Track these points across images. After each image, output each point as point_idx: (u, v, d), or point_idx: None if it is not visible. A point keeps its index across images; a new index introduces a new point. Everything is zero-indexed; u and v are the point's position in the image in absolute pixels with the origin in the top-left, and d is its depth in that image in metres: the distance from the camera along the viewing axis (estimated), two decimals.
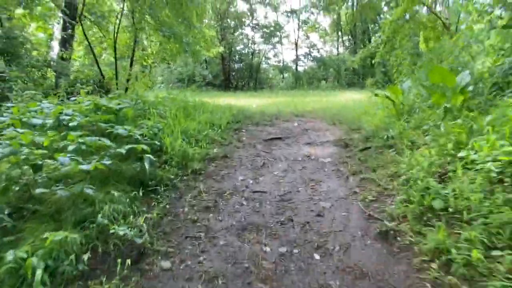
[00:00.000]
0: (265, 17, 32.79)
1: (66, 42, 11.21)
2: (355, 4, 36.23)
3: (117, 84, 9.55)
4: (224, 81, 29.80)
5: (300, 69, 34.74)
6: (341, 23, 35.57)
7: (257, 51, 32.25)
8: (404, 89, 5.14)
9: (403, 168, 3.28)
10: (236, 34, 30.48)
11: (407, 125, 4.26)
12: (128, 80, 10.12)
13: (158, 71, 32.00)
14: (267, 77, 32.41)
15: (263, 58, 32.67)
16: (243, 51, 31.62)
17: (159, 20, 8.82)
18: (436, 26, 13.27)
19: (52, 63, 10.41)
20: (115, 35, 9.54)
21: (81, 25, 9.62)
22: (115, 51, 9.50)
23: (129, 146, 3.25)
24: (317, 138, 4.90)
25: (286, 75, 34.16)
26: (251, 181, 3.54)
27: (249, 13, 29.74)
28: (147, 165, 3.13)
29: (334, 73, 33.92)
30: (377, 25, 36.40)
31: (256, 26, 31.09)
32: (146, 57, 11.79)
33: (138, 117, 4.61)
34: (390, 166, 3.50)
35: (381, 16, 35.81)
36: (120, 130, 3.49)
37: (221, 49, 17.45)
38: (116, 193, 2.74)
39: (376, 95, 6.88)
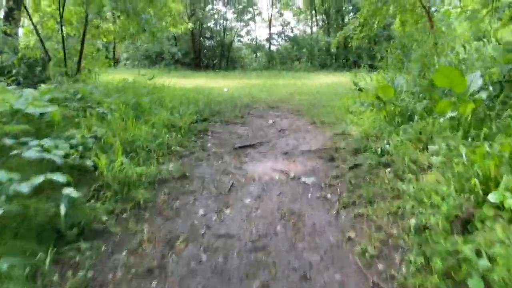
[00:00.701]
0: None
1: (9, 14, 9.60)
2: None
3: (65, 66, 8.22)
4: (195, 59, 28.19)
5: (273, 48, 33.57)
6: (315, 1, 34.41)
7: (229, 28, 30.68)
8: (395, 87, 4.37)
9: (409, 203, 2.53)
10: (207, 9, 28.69)
11: (404, 136, 3.51)
12: (79, 62, 8.78)
13: (122, 47, 29.84)
14: (239, 56, 31.05)
15: (236, 36, 31.18)
16: (215, 28, 29.96)
17: None
18: (414, 9, 12.61)
19: None
20: (61, 7, 8.10)
21: None
22: (61, 26, 8.09)
23: (39, 178, 2.28)
24: (296, 145, 4.07)
25: (259, 54, 32.90)
26: (214, 217, 2.67)
27: None
28: (62, 210, 2.18)
29: (307, 53, 33.04)
30: (350, 4, 35.57)
31: (228, 2, 29.39)
32: (103, 35, 10.35)
33: (71, 121, 3.57)
34: (391, 196, 2.74)
35: None
36: (29, 152, 2.49)
37: (190, 25, 15.98)
38: (4, 265, 1.80)
39: (360, 89, 6.10)
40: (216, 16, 29.43)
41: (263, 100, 8.94)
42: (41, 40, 8.18)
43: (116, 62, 30.54)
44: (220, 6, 29.72)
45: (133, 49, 28.78)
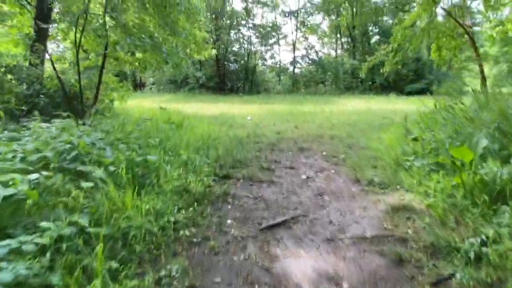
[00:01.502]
0: (262, 17, 30.76)
1: (34, 44, 9.25)
2: (354, 8, 34.33)
3: (81, 101, 7.60)
4: (219, 83, 27.83)
5: (297, 71, 32.87)
6: (340, 25, 33.65)
7: (253, 52, 30.29)
8: (477, 150, 3.27)
9: None
10: (231, 34, 28.48)
11: (502, 229, 2.42)
12: (96, 95, 8.17)
13: (149, 72, 29.99)
14: (263, 79, 30.49)
15: (259, 60, 30.74)
16: (239, 52, 29.64)
17: (126, 26, 6.86)
18: (453, 34, 11.46)
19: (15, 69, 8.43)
20: (77, 38, 7.54)
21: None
22: (77, 58, 7.52)
23: None
24: (343, 223, 3.01)
25: (282, 77, 32.24)
26: None
27: (245, 13, 27.71)
28: None
29: (332, 76, 32.09)
30: (376, 27, 34.56)
31: (253, 26, 29.11)
32: (125, 65, 9.80)
33: (52, 200, 2.71)
34: None
35: (383, 18, 33.94)
36: None
37: (214, 51, 15.43)
38: None
39: (415, 139, 5.00)
40: (240, 40, 29.16)
41: (290, 136, 7.97)
42: (56, 72, 7.63)
43: (142, 86, 30.67)
44: (244, 31, 29.49)
45: (159, 73, 28.81)
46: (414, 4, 13.39)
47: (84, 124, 6.68)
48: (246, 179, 4.12)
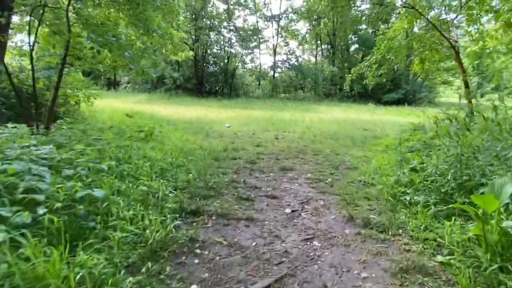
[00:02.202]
0: (244, 20, 30.09)
1: None
2: (335, 18, 34.21)
3: (36, 104, 6.58)
4: (197, 85, 26.86)
5: (277, 75, 32.38)
6: (321, 32, 33.43)
7: (233, 55, 29.51)
8: (501, 197, 2.66)
9: None
10: (212, 35, 27.59)
11: None
12: (54, 98, 7.16)
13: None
14: (242, 82, 29.76)
15: (240, 63, 30.00)
16: (219, 54, 28.78)
17: (88, 21, 5.96)
18: (437, 48, 11.17)
19: None
20: (32, 31, 6.52)
21: None
22: (31, 54, 6.49)
23: None
24: None
25: (262, 82, 31.63)
26: None
27: (226, 14, 26.92)
28: None
29: (312, 82, 31.82)
30: (356, 36, 34.59)
31: (234, 29, 28.34)
32: (89, 65, 8.79)
33: None
34: None
35: (362, 27, 33.99)
36: None
37: (191, 53, 14.56)
38: None
39: (414, 170, 4.39)
40: (221, 42, 28.30)
41: (271, 150, 7.29)
42: (4, 67, 6.57)
43: (116, 85, 29.22)
44: (225, 33, 28.66)
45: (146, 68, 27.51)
46: (395, 15, 13.01)
47: (35, 132, 5.74)
48: (219, 215, 3.37)
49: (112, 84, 28.50)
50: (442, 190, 3.64)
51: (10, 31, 7.17)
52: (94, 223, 2.68)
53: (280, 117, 15.18)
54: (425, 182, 3.81)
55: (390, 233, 3.11)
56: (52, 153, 3.73)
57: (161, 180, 3.95)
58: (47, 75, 8.84)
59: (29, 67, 10.17)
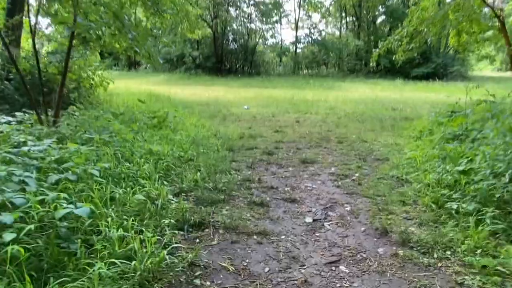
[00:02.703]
0: None
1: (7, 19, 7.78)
2: None
3: (42, 94, 6.21)
4: (216, 63, 26.16)
5: (299, 51, 31.09)
6: (345, 3, 31.48)
7: (253, 31, 28.40)
8: None
9: None
10: (231, 11, 26.53)
11: None
12: (62, 84, 6.77)
13: (143, 50, 28.00)
14: (263, 60, 28.74)
15: (260, 39, 28.89)
16: (238, 30, 27.75)
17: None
18: (479, 17, 9.91)
19: None
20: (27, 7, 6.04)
21: None
22: (33, 36, 6.04)
23: None
24: None
25: (284, 58, 30.47)
26: None
27: None
28: None
29: (336, 57, 30.35)
30: (383, 7, 32.38)
31: (254, 3, 27.09)
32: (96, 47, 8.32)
33: None
34: None
35: None
36: None
37: (208, 31, 13.82)
38: None
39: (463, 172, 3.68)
40: (240, 18, 27.20)
41: (291, 137, 6.68)
42: (11, 57, 6.19)
43: (137, 64, 28.97)
44: (244, 8, 27.47)
45: (153, 51, 27.04)
46: None
47: (44, 121, 5.40)
48: (227, 228, 2.86)
49: (133, 65, 28.27)
50: (497, 196, 2.97)
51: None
52: (76, 247, 2.23)
53: (302, 96, 14.39)
54: (475, 184, 3.12)
55: (435, 255, 2.51)
56: (47, 152, 3.30)
57: (165, 182, 3.47)
58: (59, 58, 8.49)
59: (44, 50, 9.80)
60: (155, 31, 16.92)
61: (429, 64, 28.55)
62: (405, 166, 4.60)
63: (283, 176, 4.22)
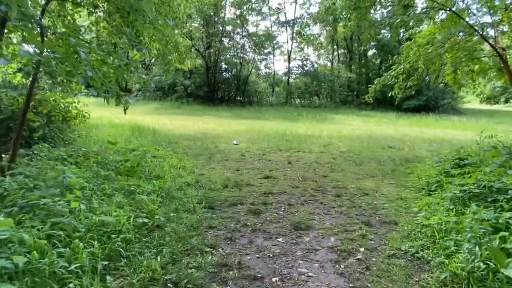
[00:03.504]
0: (257, 26, 28.70)
1: None
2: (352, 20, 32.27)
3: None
4: (209, 92, 25.60)
5: (292, 81, 30.85)
6: (336, 36, 31.68)
7: (246, 61, 28.14)
8: None
9: None
10: (224, 42, 26.31)
11: None
12: (21, 123, 5.87)
13: (135, 78, 27.46)
14: (256, 90, 28.30)
15: (253, 70, 28.59)
16: (231, 60, 27.45)
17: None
18: (479, 56, 9.40)
19: None
20: None
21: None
22: None
23: None
24: None
25: (277, 89, 30.14)
26: None
27: (239, 20, 25.57)
28: None
29: (328, 88, 30.11)
30: (374, 41, 32.63)
31: (247, 34, 26.98)
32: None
33: None
34: None
35: (381, 31, 32.01)
36: None
37: (198, 62, 13.17)
38: None
39: None
40: (233, 49, 26.94)
41: (282, 186, 5.80)
42: None
43: (128, 92, 28.27)
44: (238, 39, 27.30)
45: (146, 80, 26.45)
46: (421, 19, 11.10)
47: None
48: None
49: (123, 92, 27.58)
50: None
51: None
52: None
53: (294, 130, 13.66)
54: None
55: None
56: None
57: (107, 278, 2.52)
58: (19, 93, 7.66)
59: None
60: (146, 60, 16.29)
61: (420, 96, 28.38)
62: (419, 236, 3.74)
63: (271, 255, 3.29)
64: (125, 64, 6.35)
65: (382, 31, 32.22)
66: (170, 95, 25.04)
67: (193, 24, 25.04)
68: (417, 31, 11.90)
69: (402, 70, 9.92)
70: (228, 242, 3.49)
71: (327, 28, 30.87)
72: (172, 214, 3.90)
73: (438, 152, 10.06)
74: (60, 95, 7.46)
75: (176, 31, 11.90)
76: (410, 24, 11.13)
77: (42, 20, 5.27)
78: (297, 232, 3.87)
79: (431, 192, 5.38)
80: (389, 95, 10.31)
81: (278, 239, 3.65)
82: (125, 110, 4.38)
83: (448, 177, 5.59)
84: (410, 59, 9.60)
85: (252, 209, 4.49)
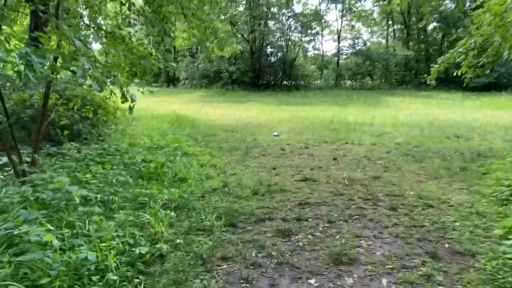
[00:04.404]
0: (304, 5, 26.87)
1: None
2: None
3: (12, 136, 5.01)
4: (254, 78, 24.75)
5: (341, 62, 28.78)
6: (392, 10, 28.65)
7: (293, 44, 26.66)
8: None
9: None
10: (269, 25, 25.06)
11: None
12: (39, 128, 5.54)
13: (183, 66, 27.47)
14: (302, 73, 26.80)
15: (300, 51, 27.05)
16: (277, 44, 26.15)
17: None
18: None
19: None
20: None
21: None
22: None
23: None
24: None
25: (325, 71, 28.32)
26: None
27: (284, 0, 24.05)
28: None
29: (382, 68, 27.58)
30: (436, 12, 29.05)
31: (293, 15, 25.40)
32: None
33: None
34: None
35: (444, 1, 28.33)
36: None
37: (239, 47, 12.30)
38: None
39: None
40: (278, 32, 25.56)
41: (323, 195, 4.82)
42: None
43: (176, 80, 28.52)
44: (284, 20, 25.83)
45: (192, 67, 26.34)
46: None
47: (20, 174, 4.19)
48: None
49: (172, 81, 27.83)
50: None
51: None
52: None
53: (343, 117, 12.34)
54: None
55: None
56: None
57: None
58: (63, 87, 7.45)
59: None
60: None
61: (490, 73, 24.74)
62: (509, 280, 2.61)
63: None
64: (146, 54, 5.68)
65: (445, 1, 28.56)
66: (216, 83, 24.64)
67: (237, 8, 24.13)
68: None
69: (473, 45, 8.12)
70: (243, 284, 2.67)
71: (381, 2, 28.02)
72: (179, 240, 3.16)
73: None
74: (88, 90, 7.09)
75: (213, 17, 11.12)
76: None
77: None
78: (336, 268, 2.94)
79: None
80: (454, 73, 8.60)
81: (309, 281, 2.75)
82: (131, 109, 3.69)
83: None
84: (483, 31, 7.78)
85: (281, 228, 3.61)
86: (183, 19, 11.35)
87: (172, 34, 7.36)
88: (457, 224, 3.77)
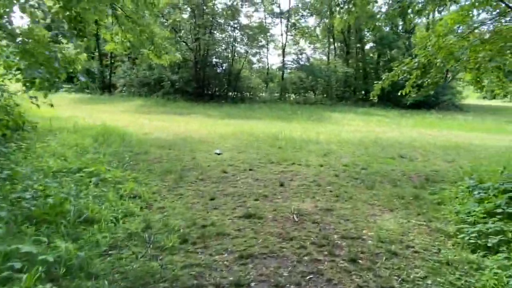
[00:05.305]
0: (249, 17, 26.44)
1: None
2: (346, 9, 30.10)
3: None
4: (197, 88, 23.44)
5: (286, 76, 28.80)
6: (333, 28, 29.56)
7: (238, 55, 25.98)
8: None
9: None
10: (215, 34, 24.10)
11: None
12: None
13: (120, 72, 25.14)
14: (248, 85, 26.17)
15: (245, 63, 26.46)
16: (222, 55, 25.26)
17: None
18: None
19: None
20: None
21: None
22: None
23: None
24: None
25: (270, 84, 28.06)
26: None
27: (230, 11, 23.32)
28: None
29: (324, 84, 28.10)
30: (372, 33, 30.57)
31: (239, 27, 24.76)
32: None
33: None
34: None
35: (379, 23, 29.93)
36: None
37: (178, 56, 11.05)
38: None
39: None
40: (223, 43, 24.68)
41: (269, 240, 3.90)
42: None
43: (112, 87, 26.06)
44: (230, 31, 25.06)
45: (131, 74, 24.23)
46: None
47: None
48: None
49: (108, 87, 25.32)
50: None
51: None
52: None
53: (289, 133, 11.70)
54: None
55: None
56: None
57: None
58: None
59: None
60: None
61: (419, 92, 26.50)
62: None
63: None
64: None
65: (380, 23, 30.18)
66: (157, 91, 22.88)
67: (181, 15, 22.81)
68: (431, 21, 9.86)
69: (416, 64, 7.89)
70: None
71: (323, 20, 28.73)
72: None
73: (458, 163, 8.26)
74: None
75: (149, 21, 9.83)
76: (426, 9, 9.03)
77: None
78: None
79: (489, 250, 3.52)
80: (399, 92, 8.39)
81: None
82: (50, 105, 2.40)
83: (510, 222, 3.74)
84: (426, 53, 7.57)
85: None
86: (114, 20, 9.84)
87: (89, 36, 6.02)
88: (429, 282, 3.05)
